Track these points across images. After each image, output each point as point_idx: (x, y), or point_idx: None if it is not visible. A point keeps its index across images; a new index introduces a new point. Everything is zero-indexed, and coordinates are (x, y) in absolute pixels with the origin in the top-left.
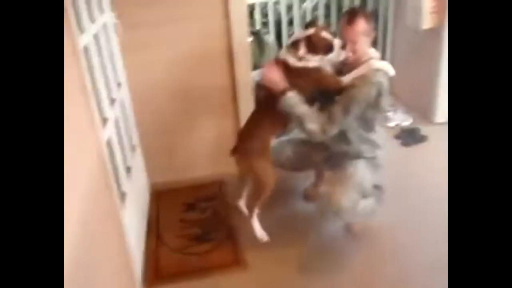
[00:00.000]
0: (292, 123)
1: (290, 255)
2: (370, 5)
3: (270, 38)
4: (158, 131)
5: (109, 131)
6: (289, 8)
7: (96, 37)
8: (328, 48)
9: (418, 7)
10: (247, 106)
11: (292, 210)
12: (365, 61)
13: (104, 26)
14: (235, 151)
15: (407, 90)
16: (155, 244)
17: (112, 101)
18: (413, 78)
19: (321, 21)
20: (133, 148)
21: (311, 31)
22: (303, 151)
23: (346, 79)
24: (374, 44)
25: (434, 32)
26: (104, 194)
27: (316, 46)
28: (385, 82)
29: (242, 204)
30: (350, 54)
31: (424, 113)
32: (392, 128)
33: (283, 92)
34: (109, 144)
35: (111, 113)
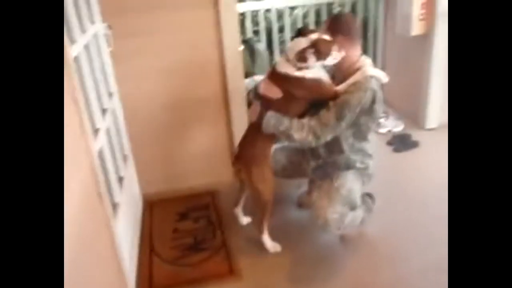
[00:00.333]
0: (281, 138)
1: (284, 263)
2: (359, 13)
3: (262, 46)
4: (150, 141)
5: (100, 142)
6: (280, 15)
7: (87, 47)
8: (331, 50)
9: (407, 14)
10: (239, 115)
11: (286, 217)
12: (358, 68)
13: (95, 36)
14: (237, 160)
15: (398, 96)
16: (149, 255)
17: (104, 111)
18: (404, 84)
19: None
20: (125, 158)
21: (314, 37)
22: (296, 160)
23: (341, 87)
24: (365, 51)
25: (423, 38)
26: (96, 205)
27: (323, 51)
28: (378, 89)
29: (239, 211)
30: (343, 54)
31: (415, 119)
32: (384, 134)
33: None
34: (100, 154)
35: (102, 124)
